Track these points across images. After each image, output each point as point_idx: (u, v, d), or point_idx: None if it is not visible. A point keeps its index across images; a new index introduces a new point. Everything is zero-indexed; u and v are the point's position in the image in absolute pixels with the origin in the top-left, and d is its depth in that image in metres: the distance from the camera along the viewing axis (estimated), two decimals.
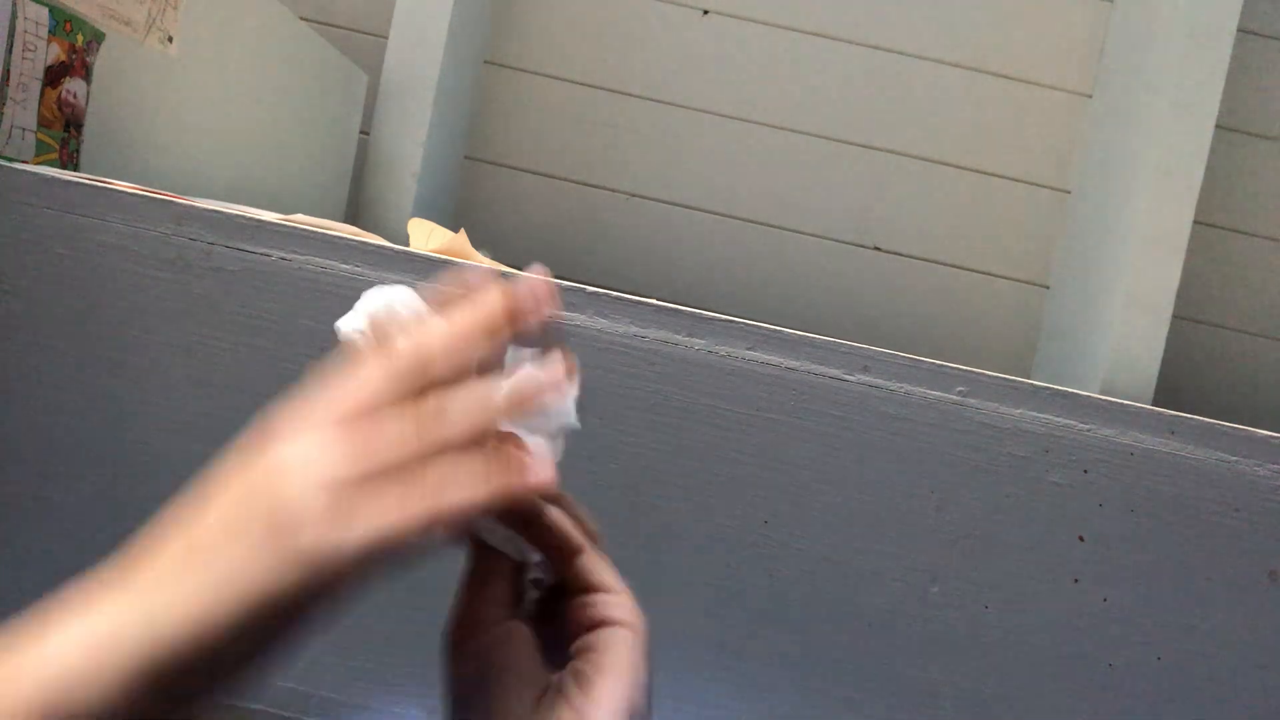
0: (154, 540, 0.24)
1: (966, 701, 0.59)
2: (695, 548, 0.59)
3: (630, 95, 1.52)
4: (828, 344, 0.58)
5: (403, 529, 0.24)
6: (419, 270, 0.58)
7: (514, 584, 0.33)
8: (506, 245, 1.52)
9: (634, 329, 0.58)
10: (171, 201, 0.58)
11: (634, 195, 1.53)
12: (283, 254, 0.58)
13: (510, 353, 0.30)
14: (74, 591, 0.23)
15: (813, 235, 1.53)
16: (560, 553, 0.32)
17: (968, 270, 1.52)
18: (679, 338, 0.58)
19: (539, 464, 0.27)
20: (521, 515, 0.31)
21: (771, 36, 1.51)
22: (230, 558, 0.23)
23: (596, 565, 0.32)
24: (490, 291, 0.28)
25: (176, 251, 0.58)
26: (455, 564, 0.32)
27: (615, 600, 0.32)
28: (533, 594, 0.33)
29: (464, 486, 0.25)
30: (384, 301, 0.31)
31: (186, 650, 0.22)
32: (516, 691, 0.29)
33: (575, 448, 0.34)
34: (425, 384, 0.26)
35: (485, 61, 1.53)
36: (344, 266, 0.58)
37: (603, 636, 0.30)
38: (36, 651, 0.22)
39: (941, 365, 0.58)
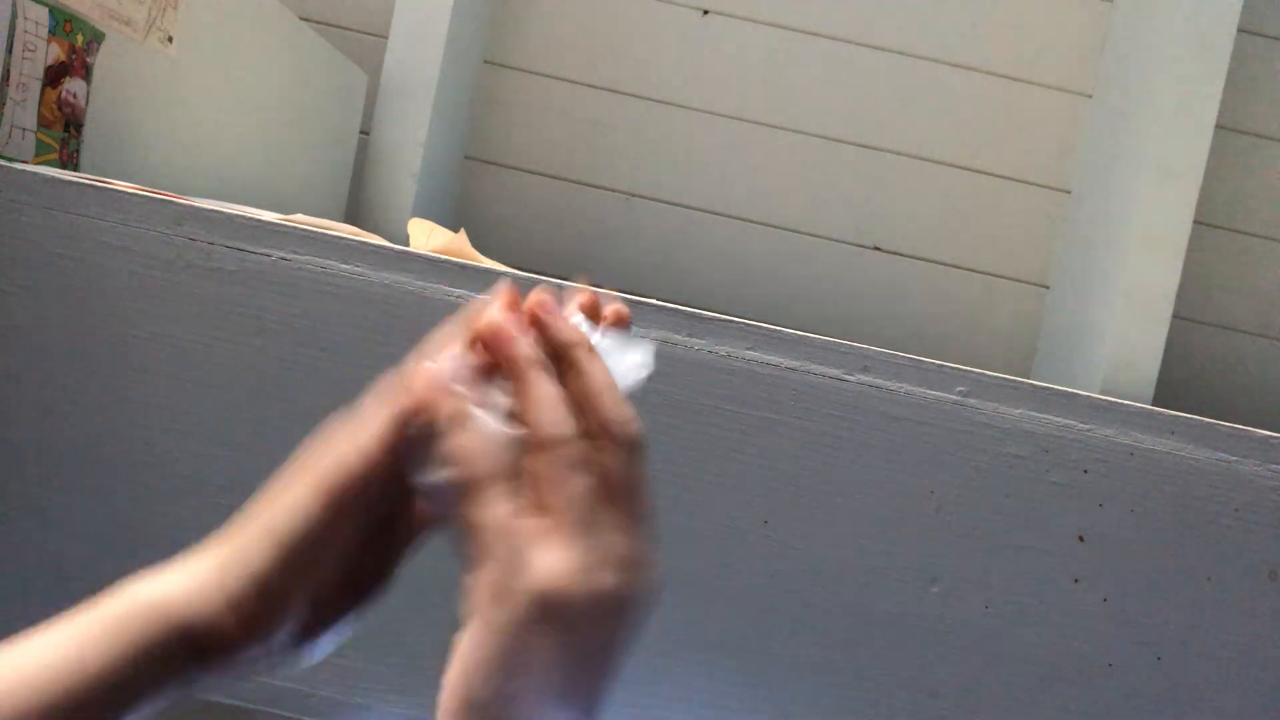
0: None
1: (966, 701, 0.59)
2: (695, 548, 0.59)
3: (630, 95, 1.52)
4: (828, 344, 0.58)
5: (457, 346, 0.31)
6: (419, 270, 0.58)
7: None
8: (506, 245, 1.52)
9: (634, 329, 0.58)
10: (171, 201, 0.58)
11: (634, 195, 1.53)
12: (283, 254, 0.58)
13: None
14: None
15: (813, 235, 1.53)
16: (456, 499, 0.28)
17: (968, 270, 1.52)
18: (679, 338, 0.58)
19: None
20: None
21: (771, 36, 1.51)
22: (369, 414, 0.31)
23: (479, 519, 0.27)
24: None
25: (176, 251, 0.58)
26: (451, 566, 0.31)
27: (477, 580, 0.27)
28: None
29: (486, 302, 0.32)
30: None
31: (358, 477, 0.29)
32: None
33: None
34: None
35: (485, 61, 1.53)
36: (344, 266, 0.58)
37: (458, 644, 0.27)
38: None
39: (941, 365, 0.58)
